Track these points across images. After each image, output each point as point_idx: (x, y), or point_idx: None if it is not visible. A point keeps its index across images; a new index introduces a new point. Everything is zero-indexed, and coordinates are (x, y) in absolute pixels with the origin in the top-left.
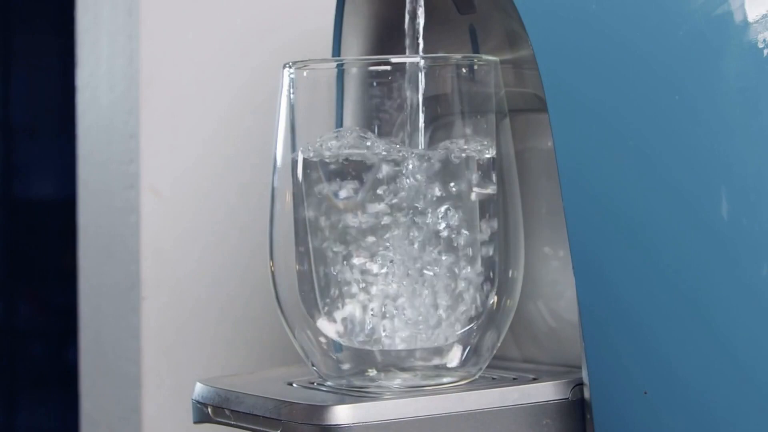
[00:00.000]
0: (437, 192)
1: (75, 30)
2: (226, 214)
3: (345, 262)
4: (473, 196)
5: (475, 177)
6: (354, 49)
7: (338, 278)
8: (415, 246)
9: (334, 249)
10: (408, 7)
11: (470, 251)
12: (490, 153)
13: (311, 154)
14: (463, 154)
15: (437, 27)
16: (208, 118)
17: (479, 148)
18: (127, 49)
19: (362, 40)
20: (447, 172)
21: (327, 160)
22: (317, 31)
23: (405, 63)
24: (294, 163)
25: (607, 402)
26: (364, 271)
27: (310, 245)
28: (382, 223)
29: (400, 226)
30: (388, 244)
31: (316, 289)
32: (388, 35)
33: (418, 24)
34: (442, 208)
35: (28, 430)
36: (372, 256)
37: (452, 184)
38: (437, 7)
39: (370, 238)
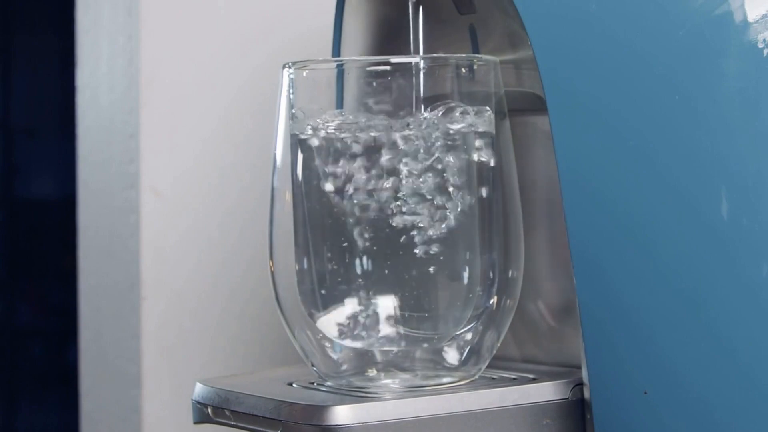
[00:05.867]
0: (436, 187)
1: (75, 30)
2: (226, 214)
3: (344, 261)
4: (471, 167)
5: (473, 161)
6: (354, 49)
7: (338, 277)
8: (415, 244)
9: (334, 247)
10: (410, 7)
11: (470, 250)
12: (490, 129)
13: (311, 131)
14: (463, 118)
15: (437, 27)
16: (208, 118)
17: (477, 122)
18: (127, 49)
19: (362, 40)
20: (447, 159)
21: (323, 136)
22: (317, 31)
23: (405, 63)
24: (294, 144)
25: (607, 402)
26: (363, 271)
27: (310, 243)
28: (381, 220)
29: (400, 224)
30: (387, 243)
31: (316, 288)
32: (388, 35)
33: (419, 24)
34: (443, 205)
35: (28, 430)
36: (371, 255)
37: (452, 177)
38: (437, 7)
39: (370, 236)
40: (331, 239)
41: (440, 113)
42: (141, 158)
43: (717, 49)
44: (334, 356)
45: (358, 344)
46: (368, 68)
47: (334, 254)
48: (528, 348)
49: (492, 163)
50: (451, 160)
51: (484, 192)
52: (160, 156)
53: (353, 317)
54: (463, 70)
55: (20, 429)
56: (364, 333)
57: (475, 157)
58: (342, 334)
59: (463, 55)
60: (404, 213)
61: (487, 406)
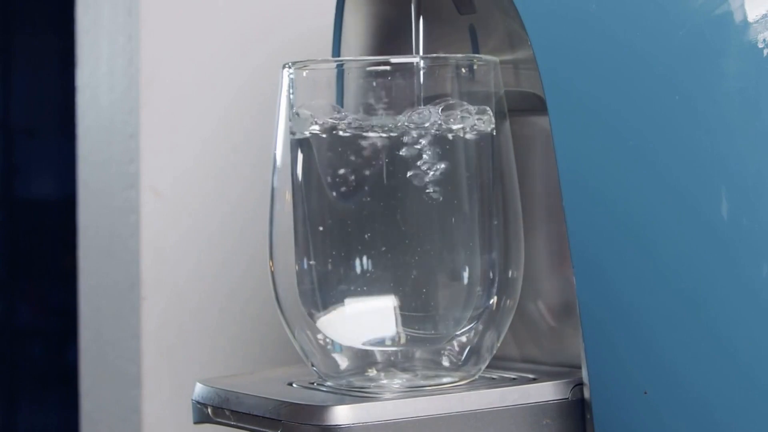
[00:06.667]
0: (436, 186)
1: (75, 30)
2: (226, 214)
3: (344, 261)
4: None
5: (474, 160)
6: (354, 49)
7: (338, 277)
8: (416, 244)
9: (334, 247)
10: (413, 6)
11: (470, 250)
12: (490, 128)
13: (311, 130)
14: (463, 118)
15: (437, 27)
16: (208, 118)
17: (477, 121)
18: (127, 49)
19: (362, 40)
20: (447, 158)
21: (323, 135)
22: (317, 31)
23: (405, 63)
24: (294, 143)
25: (607, 402)
26: (363, 270)
27: (310, 243)
28: (381, 219)
29: (400, 224)
30: (387, 243)
31: (316, 288)
32: (388, 35)
33: (419, 24)
34: (443, 204)
35: (28, 430)
36: (371, 255)
37: (452, 177)
38: (437, 7)
39: (370, 236)
40: (331, 239)
41: (439, 110)
42: (141, 158)
43: (717, 49)
44: (334, 356)
45: (358, 344)
46: (368, 68)
47: (334, 254)
48: (528, 348)
49: (492, 163)
50: (451, 159)
51: (484, 192)
52: (160, 156)
53: (353, 317)
54: (463, 70)
55: (20, 429)
56: (363, 333)
57: (475, 156)
58: (342, 334)
59: (463, 55)
60: (404, 212)
61: (487, 406)
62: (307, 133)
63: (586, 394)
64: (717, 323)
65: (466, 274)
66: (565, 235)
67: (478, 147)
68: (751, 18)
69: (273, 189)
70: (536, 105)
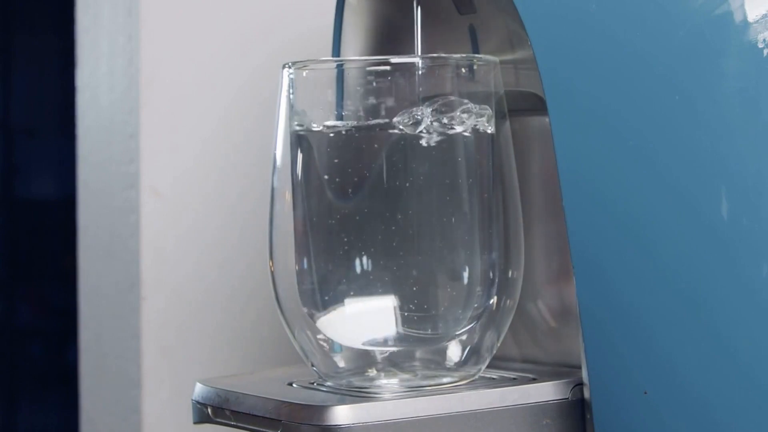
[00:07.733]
0: (436, 187)
1: (75, 30)
2: (226, 214)
3: (344, 261)
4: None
5: (474, 160)
6: (354, 49)
7: (338, 277)
8: (416, 244)
9: (334, 247)
10: (414, 7)
11: (470, 250)
12: (490, 128)
13: (312, 129)
14: (463, 118)
15: (437, 27)
16: (208, 118)
17: (477, 121)
18: (127, 49)
19: (362, 40)
20: (447, 158)
21: (323, 135)
22: (317, 31)
23: (405, 63)
24: (294, 143)
25: (607, 402)
26: (363, 270)
27: (310, 243)
28: (381, 219)
29: (400, 224)
30: (387, 243)
31: (316, 288)
32: (388, 35)
33: (419, 24)
34: (443, 204)
35: (28, 430)
36: (371, 255)
37: (452, 177)
38: (437, 7)
39: (370, 236)
40: (330, 239)
41: (440, 109)
42: (141, 158)
43: (717, 49)
44: (334, 356)
45: (357, 344)
46: (368, 68)
47: (334, 254)
48: (528, 348)
49: (492, 163)
50: (451, 159)
51: (484, 192)
52: (160, 156)
53: (353, 317)
54: (463, 70)
55: (20, 429)
56: (363, 333)
57: (475, 156)
58: (342, 334)
59: (463, 55)
60: (404, 212)
61: (487, 406)
62: (307, 133)
63: (586, 394)
64: (717, 323)
65: (466, 274)
66: (565, 235)
67: (478, 147)
68: (751, 18)
69: (273, 189)
70: (536, 105)
